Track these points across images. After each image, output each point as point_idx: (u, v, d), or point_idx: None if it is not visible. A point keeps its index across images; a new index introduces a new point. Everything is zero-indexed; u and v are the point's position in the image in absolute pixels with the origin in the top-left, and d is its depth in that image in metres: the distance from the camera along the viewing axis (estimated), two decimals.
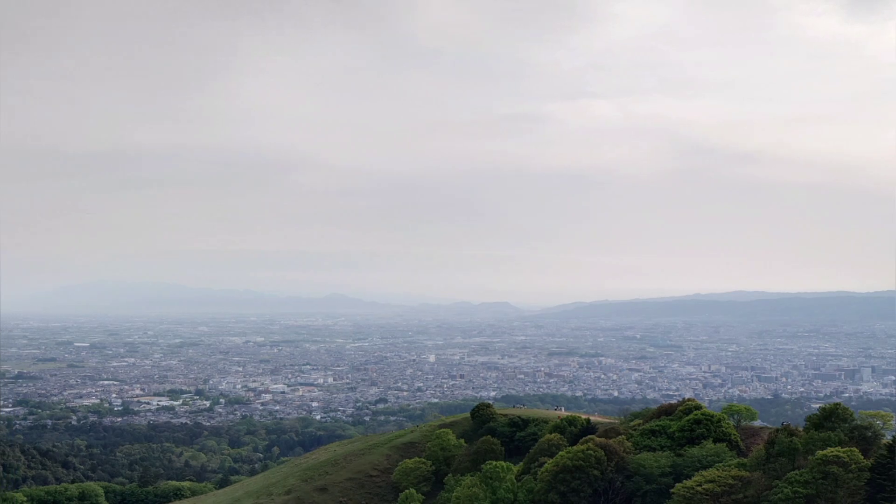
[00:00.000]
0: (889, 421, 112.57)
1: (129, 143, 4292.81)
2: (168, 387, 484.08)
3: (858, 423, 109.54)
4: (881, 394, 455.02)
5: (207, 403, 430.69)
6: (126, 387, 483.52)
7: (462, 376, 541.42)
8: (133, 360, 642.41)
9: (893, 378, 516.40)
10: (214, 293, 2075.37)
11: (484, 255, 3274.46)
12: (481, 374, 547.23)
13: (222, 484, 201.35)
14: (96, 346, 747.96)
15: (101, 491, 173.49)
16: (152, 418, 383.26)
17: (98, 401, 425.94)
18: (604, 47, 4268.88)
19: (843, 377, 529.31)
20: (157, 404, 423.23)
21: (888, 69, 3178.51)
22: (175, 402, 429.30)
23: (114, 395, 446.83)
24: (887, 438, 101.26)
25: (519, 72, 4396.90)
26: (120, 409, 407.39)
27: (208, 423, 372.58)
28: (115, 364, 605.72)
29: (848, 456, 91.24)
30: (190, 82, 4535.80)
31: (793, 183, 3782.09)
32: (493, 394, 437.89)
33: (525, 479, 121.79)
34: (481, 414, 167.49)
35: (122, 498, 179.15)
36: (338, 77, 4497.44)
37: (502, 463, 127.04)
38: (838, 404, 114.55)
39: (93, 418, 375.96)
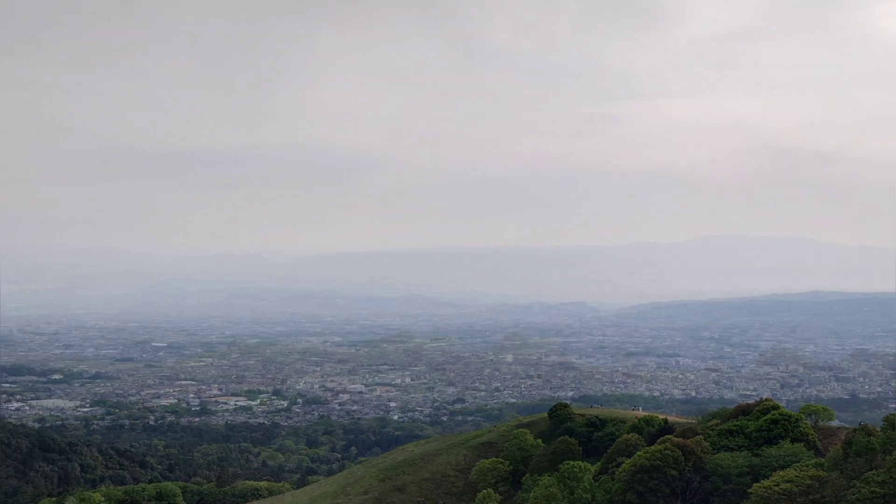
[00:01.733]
0: None
1: (207, 142, 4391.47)
2: (245, 387, 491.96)
3: None
4: None
5: (285, 403, 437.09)
6: (203, 387, 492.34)
7: (539, 376, 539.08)
8: (210, 360, 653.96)
9: None
10: (291, 293, 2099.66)
11: (561, 255, 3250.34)
12: (559, 374, 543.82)
13: (300, 484, 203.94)
14: (174, 347, 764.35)
15: (178, 491, 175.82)
16: (230, 418, 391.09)
17: (175, 401, 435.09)
18: (681, 47, 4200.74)
19: None
20: (235, 404, 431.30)
21: None
22: (252, 402, 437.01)
23: (191, 395, 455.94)
24: None
25: (596, 72, 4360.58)
26: (197, 409, 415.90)
27: (286, 423, 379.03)
28: (192, 364, 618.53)
29: None
30: (269, 82, 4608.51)
31: (872, 183, 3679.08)
32: (570, 394, 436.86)
33: (602, 479, 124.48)
34: (559, 414, 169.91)
35: (199, 497, 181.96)
36: (416, 77, 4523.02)
37: (580, 463, 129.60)
38: None
39: (170, 418, 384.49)
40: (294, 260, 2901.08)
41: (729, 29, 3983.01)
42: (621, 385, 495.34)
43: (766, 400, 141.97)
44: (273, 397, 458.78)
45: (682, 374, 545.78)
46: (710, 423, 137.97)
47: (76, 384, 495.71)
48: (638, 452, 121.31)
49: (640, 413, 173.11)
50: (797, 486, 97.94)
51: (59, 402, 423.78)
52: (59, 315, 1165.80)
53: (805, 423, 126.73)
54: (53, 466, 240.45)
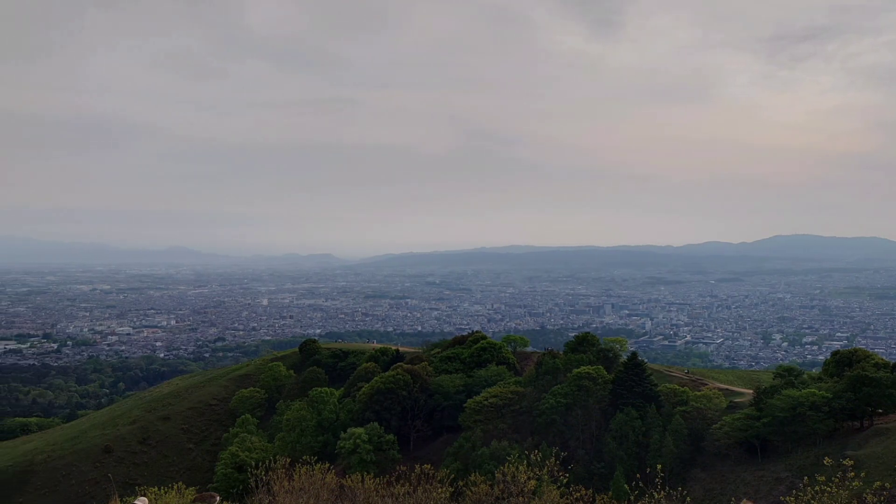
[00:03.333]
0: (624, 345, 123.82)
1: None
2: (16, 331, 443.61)
3: (603, 346, 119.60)
4: (618, 324, 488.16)
5: (55, 346, 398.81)
6: None
7: (291, 317, 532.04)
8: None
9: (627, 312, 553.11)
10: (62, 246, 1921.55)
11: (310, 212, 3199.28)
12: (308, 315, 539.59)
13: (70, 418, 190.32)
14: None
15: None
16: None
17: None
18: None
19: (591, 312, 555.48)
20: (5, 347, 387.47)
21: None
22: (22, 346, 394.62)
23: None
24: (623, 358, 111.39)
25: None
26: None
27: (56, 364, 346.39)
28: None
29: (596, 372, 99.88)
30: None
31: None
32: (318, 331, 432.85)
33: (346, 401, 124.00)
34: (308, 348, 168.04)
35: None
36: None
37: (326, 388, 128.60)
38: (588, 333, 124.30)
39: None
40: (63, 215, 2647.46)
41: None
42: (361, 322, 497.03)
43: (477, 332, 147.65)
44: (43, 341, 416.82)
45: (410, 313, 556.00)
46: (433, 352, 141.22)
47: None
48: (375, 378, 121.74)
49: (376, 345, 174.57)
50: (501, 400, 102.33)
51: None
52: None
53: (507, 350, 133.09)
54: None
